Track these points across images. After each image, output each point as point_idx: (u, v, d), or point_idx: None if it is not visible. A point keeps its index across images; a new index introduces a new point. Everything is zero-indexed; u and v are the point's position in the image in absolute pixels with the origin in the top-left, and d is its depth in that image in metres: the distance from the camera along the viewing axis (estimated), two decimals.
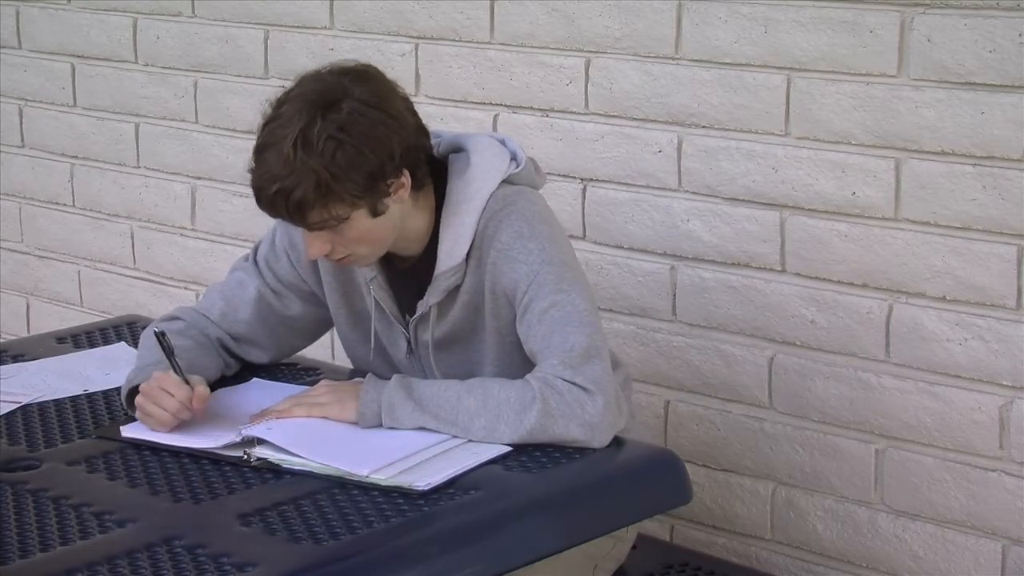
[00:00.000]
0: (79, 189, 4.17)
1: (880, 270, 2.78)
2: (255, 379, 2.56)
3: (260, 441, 2.23)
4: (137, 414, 2.35)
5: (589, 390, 2.26)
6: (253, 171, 2.31)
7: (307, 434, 2.26)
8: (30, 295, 4.36)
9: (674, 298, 3.05)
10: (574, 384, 2.26)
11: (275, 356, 2.64)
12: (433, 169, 2.42)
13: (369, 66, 2.38)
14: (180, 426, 2.31)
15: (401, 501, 2.08)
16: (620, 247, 3.09)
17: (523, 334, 2.38)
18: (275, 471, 2.19)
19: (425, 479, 2.12)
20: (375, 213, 2.31)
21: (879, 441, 2.84)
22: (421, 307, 2.45)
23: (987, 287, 2.66)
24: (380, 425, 2.30)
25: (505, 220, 2.39)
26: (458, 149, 2.46)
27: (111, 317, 3.50)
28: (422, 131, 2.38)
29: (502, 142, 2.48)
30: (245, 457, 2.22)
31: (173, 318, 2.58)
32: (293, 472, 2.18)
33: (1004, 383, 2.68)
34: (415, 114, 2.38)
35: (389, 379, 2.35)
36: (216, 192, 3.84)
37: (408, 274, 2.47)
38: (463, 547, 2.01)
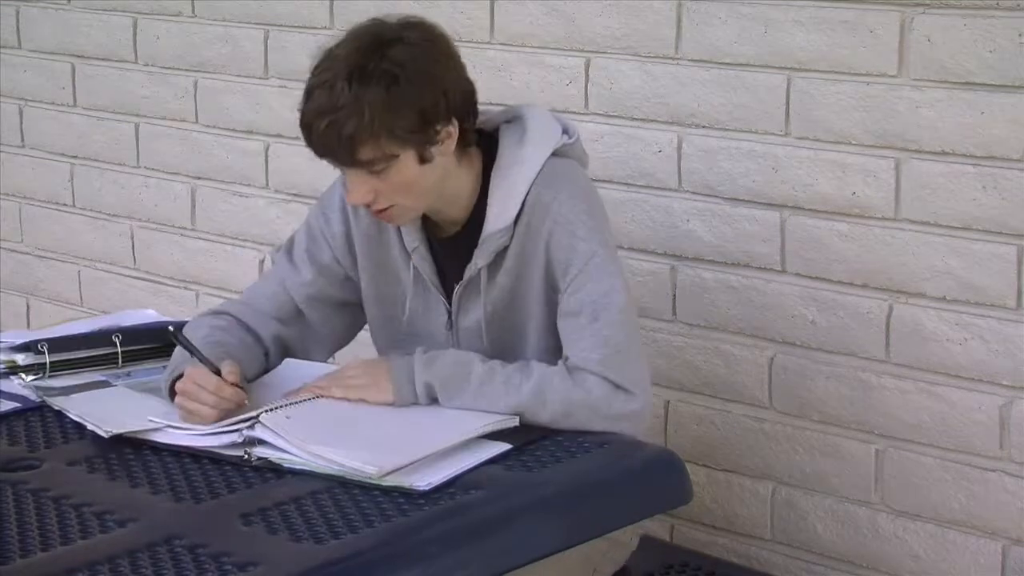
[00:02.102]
0: (79, 189, 4.17)
1: (880, 270, 2.78)
2: (288, 360, 2.55)
3: (261, 441, 2.23)
4: (179, 414, 2.33)
5: (629, 391, 2.32)
6: (302, 110, 2.31)
7: (325, 427, 2.26)
8: (30, 295, 4.36)
9: (674, 298, 3.05)
10: (614, 384, 2.31)
11: (326, 350, 2.63)
12: (481, 140, 2.43)
13: (421, 17, 2.39)
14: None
15: (401, 501, 2.08)
16: (620, 247, 3.08)
17: (565, 309, 2.39)
18: (276, 471, 2.19)
19: (425, 479, 2.12)
20: (422, 159, 2.30)
21: (879, 441, 2.84)
22: (470, 271, 2.43)
23: (987, 287, 2.66)
24: (416, 403, 2.33)
25: (563, 191, 2.39)
26: (512, 119, 2.46)
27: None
28: (471, 86, 2.38)
29: (559, 119, 2.50)
30: (246, 457, 2.22)
31: (217, 313, 2.57)
32: (294, 472, 2.18)
33: (1004, 383, 2.68)
34: (464, 64, 2.39)
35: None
36: (216, 192, 3.84)
37: (448, 245, 2.46)
38: (463, 547, 2.01)
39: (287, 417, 2.26)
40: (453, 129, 2.33)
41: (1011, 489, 2.70)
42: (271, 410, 2.27)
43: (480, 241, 2.42)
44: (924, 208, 2.71)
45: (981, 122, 2.62)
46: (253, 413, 2.25)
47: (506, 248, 2.42)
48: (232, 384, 2.31)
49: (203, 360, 2.34)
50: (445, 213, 2.44)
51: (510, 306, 2.46)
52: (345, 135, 2.25)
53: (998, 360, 2.67)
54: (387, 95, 2.24)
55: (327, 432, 2.24)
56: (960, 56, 2.62)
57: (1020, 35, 2.56)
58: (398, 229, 2.48)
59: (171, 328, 2.44)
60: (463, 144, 2.38)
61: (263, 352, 2.54)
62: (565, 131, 2.48)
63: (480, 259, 2.42)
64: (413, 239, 2.47)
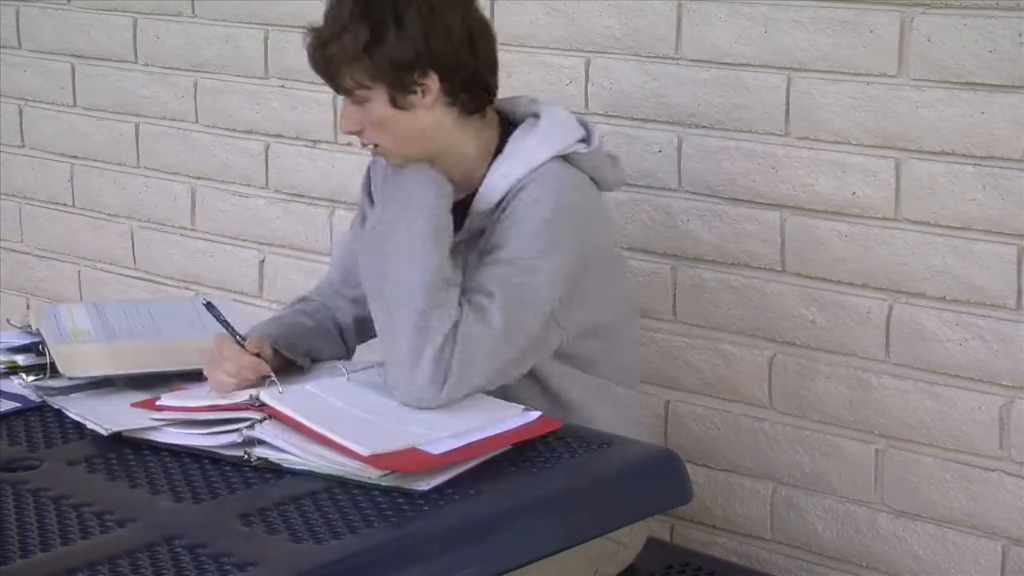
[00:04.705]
0: (79, 189, 4.17)
1: (880, 270, 2.78)
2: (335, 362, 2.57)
3: (261, 441, 2.23)
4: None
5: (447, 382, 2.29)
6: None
7: (321, 407, 2.27)
8: (30, 295, 4.36)
9: (674, 298, 3.05)
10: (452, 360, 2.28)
11: None
12: (504, 125, 2.49)
13: None
14: (188, 424, 2.32)
15: (401, 501, 2.08)
16: (620, 247, 3.09)
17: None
18: (276, 471, 2.19)
19: (425, 479, 2.12)
20: (395, 102, 2.38)
21: (879, 441, 2.84)
22: (454, 238, 2.47)
23: (987, 287, 2.66)
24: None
25: (539, 193, 2.41)
26: (535, 114, 2.51)
27: None
28: (476, 52, 2.42)
29: (584, 125, 2.52)
30: (245, 457, 2.22)
31: (305, 299, 2.69)
32: (294, 472, 2.18)
33: (1004, 383, 2.68)
34: (479, 40, 2.43)
35: None
36: (216, 192, 3.84)
37: (455, 208, 2.48)
38: (463, 547, 2.01)
39: (280, 392, 2.29)
40: (432, 84, 2.38)
41: (1011, 489, 2.70)
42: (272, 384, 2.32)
43: (467, 216, 2.47)
44: (924, 208, 2.71)
45: (981, 122, 2.62)
46: (252, 390, 2.30)
47: (483, 231, 2.45)
48: (254, 356, 2.39)
49: (232, 332, 2.43)
50: (450, 174, 2.46)
51: None
52: (327, 56, 2.38)
53: (998, 360, 2.67)
54: (374, 29, 2.35)
55: (323, 414, 2.25)
56: (960, 56, 2.62)
57: (1020, 35, 2.56)
58: None
59: (206, 301, 2.50)
60: (465, 111, 2.43)
61: (339, 332, 2.62)
62: (585, 140, 2.49)
63: (461, 234, 2.46)
64: None
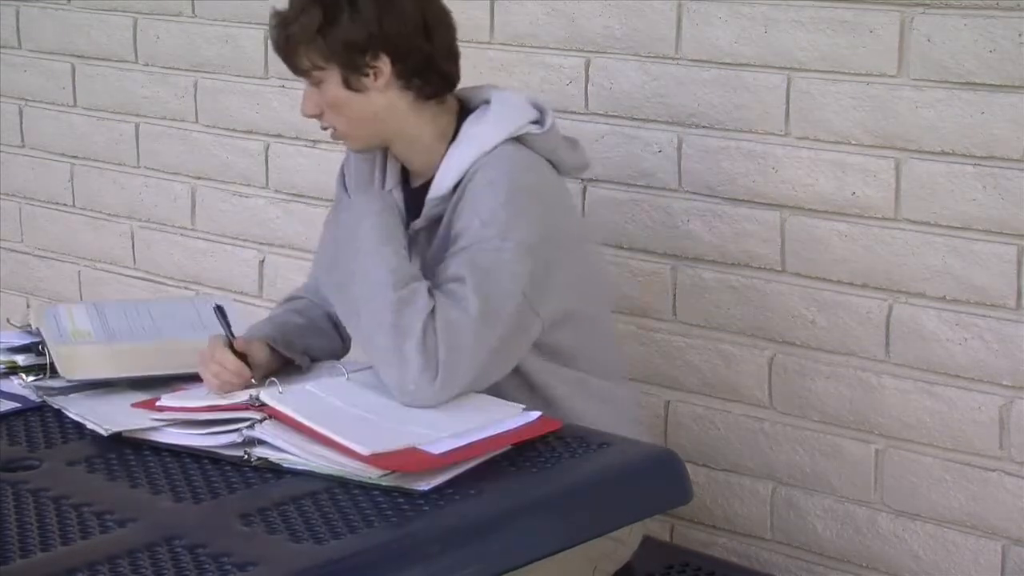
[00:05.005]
0: (79, 189, 4.17)
1: (880, 270, 2.78)
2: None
3: (261, 441, 2.23)
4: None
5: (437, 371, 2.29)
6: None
7: (321, 407, 2.27)
8: (30, 295, 4.36)
9: (674, 298, 3.05)
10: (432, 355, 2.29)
11: None
12: (465, 111, 2.53)
13: None
14: (188, 424, 2.33)
15: (401, 501, 2.08)
16: (620, 247, 3.09)
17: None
18: (276, 471, 2.19)
19: (425, 479, 2.11)
20: (347, 84, 2.43)
21: (879, 441, 2.84)
22: (413, 227, 2.51)
23: (987, 287, 2.66)
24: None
25: (493, 175, 2.43)
26: (487, 100, 2.55)
27: None
28: (431, 38, 2.46)
29: (539, 107, 2.54)
30: (245, 457, 2.22)
31: (297, 296, 2.71)
32: (294, 472, 2.18)
33: (1004, 383, 2.68)
34: (434, 27, 2.47)
35: None
36: (216, 192, 3.84)
37: (416, 193, 2.53)
38: (463, 547, 2.01)
39: (280, 392, 2.29)
40: (384, 66, 2.43)
41: (1011, 489, 2.70)
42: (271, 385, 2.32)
43: (424, 203, 2.50)
44: (924, 208, 2.71)
45: (981, 122, 2.62)
46: (253, 390, 2.31)
47: (442, 217, 2.48)
48: (237, 358, 2.41)
49: (226, 334, 2.46)
50: (407, 158, 2.53)
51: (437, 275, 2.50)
52: (284, 37, 2.46)
53: (998, 360, 2.67)
54: (328, 10, 2.41)
55: (323, 413, 2.25)
56: (960, 56, 2.62)
57: (1020, 35, 2.56)
58: (384, 169, 2.56)
59: (216, 305, 2.52)
60: (421, 96, 2.47)
61: (332, 326, 2.64)
62: (538, 121, 2.51)
63: (419, 222, 2.50)
64: (391, 180, 2.55)
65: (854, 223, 2.80)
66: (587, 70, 3.10)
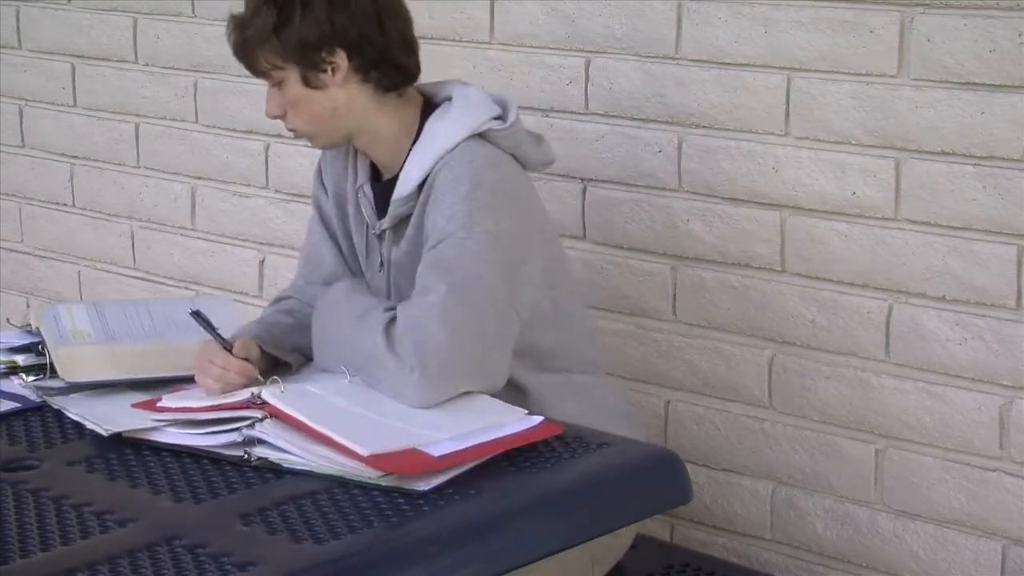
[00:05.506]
0: (79, 189, 4.17)
1: (880, 270, 2.78)
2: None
3: (261, 441, 2.23)
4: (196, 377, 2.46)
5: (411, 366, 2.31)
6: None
7: (322, 406, 2.27)
8: (30, 295, 4.36)
9: (674, 298, 3.05)
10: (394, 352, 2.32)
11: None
12: (430, 106, 2.55)
13: None
14: (189, 424, 2.33)
15: (401, 501, 2.08)
16: (620, 247, 3.09)
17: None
18: (276, 471, 2.19)
19: (425, 479, 2.11)
20: (307, 81, 2.46)
21: (879, 441, 2.84)
22: (379, 226, 2.54)
23: (987, 287, 2.66)
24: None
25: (456, 171, 2.44)
26: (449, 97, 2.57)
27: None
28: (384, 31, 2.49)
29: (502, 103, 2.54)
30: (245, 457, 2.22)
31: (285, 297, 2.72)
32: (294, 472, 2.18)
33: (1004, 383, 2.68)
34: (387, 19, 2.49)
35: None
36: (216, 192, 3.84)
37: (385, 188, 2.55)
38: (463, 547, 2.01)
39: (281, 391, 2.29)
40: (340, 61, 2.45)
41: (1011, 489, 2.70)
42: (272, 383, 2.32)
43: (390, 203, 2.52)
44: (924, 208, 2.71)
45: (981, 122, 2.62)
46: (254, 388, 2.30)
47: (409, 216, 2.50)
48: (241, 360, 2.42)
49: (217, 338, 2.45)
50: (372, 153, 2.55)
51: (408, 274, 2.50)
52: (241, 40, 2.48)
53: (998, 360, 2.67)
54: (281, 11, 2.44)
55: (323, 412, 2.25)
56: (960, 56, 2.62)
57: (1020, 35, 2.56)
58: (356, 166, 2.60)
59: (193, 310, 2.52)
60: (380, 88, 2.49)
61: None
62: (501, 117, 2.52)
63: (386, 220, 2.53)
64: (361, 176, 2.59)
65: (854, 223, 2.80)
66: (587, 70, 3.10)
